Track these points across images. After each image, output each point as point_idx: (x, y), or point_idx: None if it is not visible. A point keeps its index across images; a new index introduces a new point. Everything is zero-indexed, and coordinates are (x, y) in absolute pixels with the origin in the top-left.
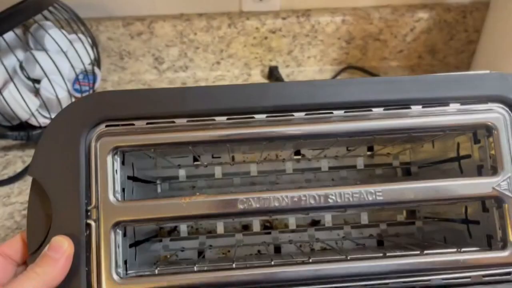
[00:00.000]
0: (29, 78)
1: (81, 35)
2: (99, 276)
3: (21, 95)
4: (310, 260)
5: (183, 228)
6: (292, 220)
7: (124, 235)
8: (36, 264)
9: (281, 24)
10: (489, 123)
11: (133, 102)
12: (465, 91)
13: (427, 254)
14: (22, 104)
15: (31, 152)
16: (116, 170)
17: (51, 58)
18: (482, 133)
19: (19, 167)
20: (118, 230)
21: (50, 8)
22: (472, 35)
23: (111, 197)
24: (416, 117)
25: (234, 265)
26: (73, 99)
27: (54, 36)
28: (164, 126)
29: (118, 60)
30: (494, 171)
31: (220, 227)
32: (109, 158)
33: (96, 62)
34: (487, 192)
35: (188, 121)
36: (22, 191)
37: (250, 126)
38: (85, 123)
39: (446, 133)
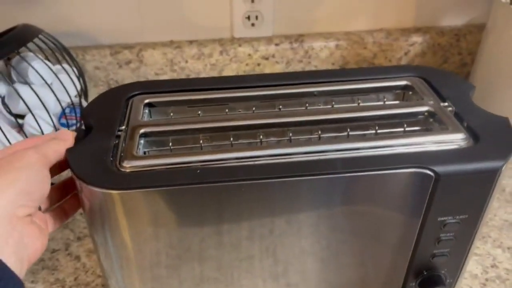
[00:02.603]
0: (11, 113)
1: (66, 66)
2: (122, 155)
3: (3, 132)
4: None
5: None
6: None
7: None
8: (54, 138)
9: (274, 50)
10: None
11: (159, 84)
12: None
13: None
14: (5, 142)
15: None
16: (144, 114)
17: (35, 93)
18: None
19: None
20: (140, 137)
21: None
22: (466, 58)
23: (139, 118)
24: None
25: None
26: None
27: (38, 68)
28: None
29: (105, 89)
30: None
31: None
32: (140, 105)
33: (83, 93)
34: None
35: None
36: None
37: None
38: (128, 91)
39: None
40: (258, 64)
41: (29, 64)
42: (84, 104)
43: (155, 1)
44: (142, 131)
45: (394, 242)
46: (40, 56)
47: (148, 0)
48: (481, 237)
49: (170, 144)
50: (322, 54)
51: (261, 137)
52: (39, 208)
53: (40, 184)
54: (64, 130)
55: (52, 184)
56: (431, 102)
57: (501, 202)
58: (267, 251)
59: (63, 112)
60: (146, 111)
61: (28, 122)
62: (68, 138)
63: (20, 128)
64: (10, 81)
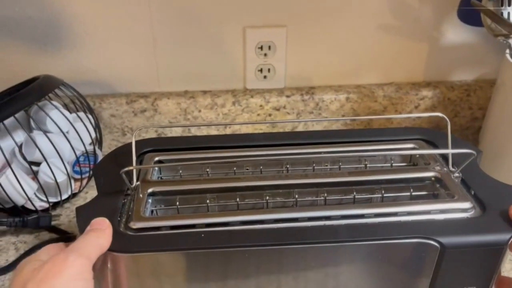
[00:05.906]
0: (27, 160)
1: (82, 114)
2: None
3: (18, 180)
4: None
5: None
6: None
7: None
8: (91, 231)
9: (285, 101)
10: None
11: (170, 141)
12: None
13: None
14: (19, 190)
15: (25, 237)
16: (154, 171)
17: (51, 143)
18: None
19: (11, 255)
20: (149, 196)
21: None
22: (476, 113)
23: (148, 178)
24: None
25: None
26: (73, 181)
27: (55, 118)
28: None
29: (120, 136)
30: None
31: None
32: (151, 162)
33: (98, 142)
34: None
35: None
36: None
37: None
38: (140, 148)
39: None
40: (269, 115)
41: (47, 115)
42: (98, 152)
43: (172, 53)
44: (150, 190)
45: None
46: (58, 104)
47: (164, 52)
48: None
49: (177, 203)
50: (332, 106)
51: (267, 197)
52: None
53: None
54: (98, 219)
55: None
56: (438, 168)
57: None
58: None
59: (77, 160)
60: (156, 168)
61: (43, 170)
62: (105, 226)
63: (34, 176)
64: (28, 129)
